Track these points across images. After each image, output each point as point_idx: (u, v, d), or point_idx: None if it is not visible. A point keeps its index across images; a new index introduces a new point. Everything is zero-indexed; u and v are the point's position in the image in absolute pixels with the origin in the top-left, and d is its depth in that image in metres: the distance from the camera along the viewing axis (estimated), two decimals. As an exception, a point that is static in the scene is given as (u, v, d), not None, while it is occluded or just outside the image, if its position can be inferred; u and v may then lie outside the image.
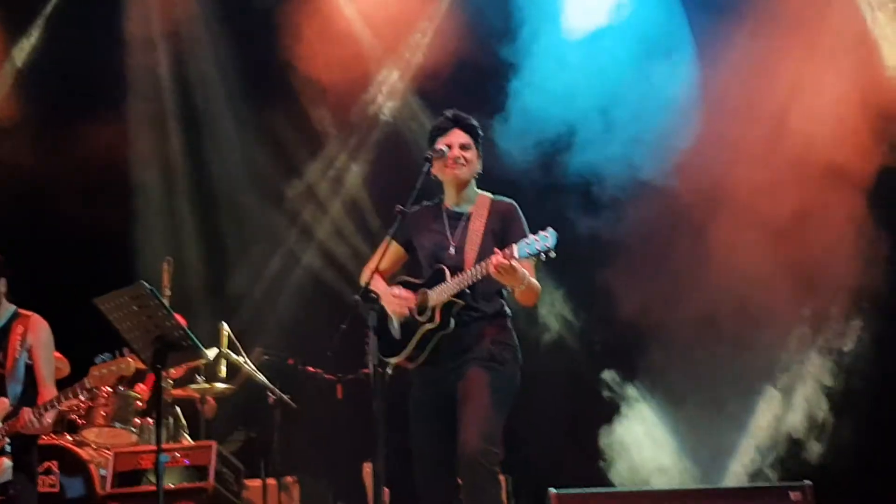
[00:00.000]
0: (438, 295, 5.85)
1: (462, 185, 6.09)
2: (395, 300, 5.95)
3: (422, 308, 5.91)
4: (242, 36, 11.17)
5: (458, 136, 6.07)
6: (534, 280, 5.77)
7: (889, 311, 9.58)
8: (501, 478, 8.91)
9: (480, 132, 6.16)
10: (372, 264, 6.11)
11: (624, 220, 10.14)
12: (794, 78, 9.81)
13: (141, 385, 8.58)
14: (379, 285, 6.01)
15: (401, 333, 5.97)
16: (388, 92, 11.31)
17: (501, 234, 5.92)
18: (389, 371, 5.96)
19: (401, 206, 5.90)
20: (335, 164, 11.35)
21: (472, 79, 10.48)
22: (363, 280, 6.11)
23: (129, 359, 7.82)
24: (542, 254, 5.47)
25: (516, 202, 6.10)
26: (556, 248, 5.46)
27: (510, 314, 6.04)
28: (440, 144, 6.06)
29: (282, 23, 10.76)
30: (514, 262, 5.54)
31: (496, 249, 5.61)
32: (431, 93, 10.84)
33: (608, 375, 10.35)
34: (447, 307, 5.83)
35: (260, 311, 10.99)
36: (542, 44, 10.39)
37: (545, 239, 5.47)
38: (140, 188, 11.17)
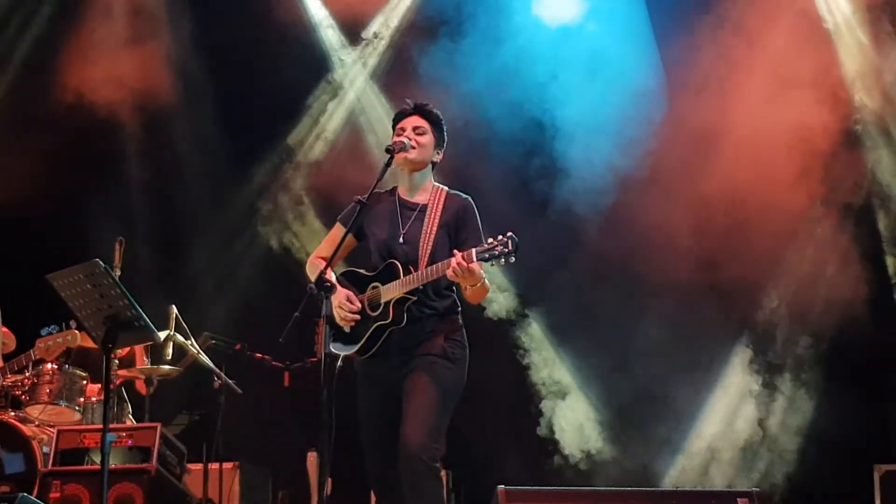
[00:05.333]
0: (391, 291, 5.83)
1: (414, 170, 6.04)
2: (342, 311, 5.88)
3: (374, 303, 5.91)
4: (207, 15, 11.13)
5: (413, 120, 6.04)
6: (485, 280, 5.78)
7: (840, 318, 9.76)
8: (443, 472, 8.97)
9: (443, 122, 6.11)
10: (323, 252, 6.09)
11: (578, 213, 10.28)
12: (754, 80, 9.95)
13: (92, 386, 8.53)
14: (329, 278, 5.92)
15: (352, 326, 5.96)
16: (348, 81, 11.34)
17: (455, 231, 5.92)
18: (340, 362, 5.95)
19: (359, 197, 5.87)
20: (292, 150, 11.34)
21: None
22: (310, 268, 6.09)
23: (76, 331, 7.87)
24: (502, 258, 5.49)
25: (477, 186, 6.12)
26: (516, 253, 5.47)
27: (461, 308, 6.03)
28: (397, 128, 6.06)
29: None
30: (472, 266, 5.53)
31: (455, 252, 5.60)
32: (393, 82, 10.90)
33: (550, 370, 10.46)
34: (400, 303, 5.81)
35: (210, 295, 10.97)
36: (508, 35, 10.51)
37: (504, 244, 5.48)
38: (94, 166, 11.09)
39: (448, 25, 10.64)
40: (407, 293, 5.80)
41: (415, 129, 6.02)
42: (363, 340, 5.89)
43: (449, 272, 5.58)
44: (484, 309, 10.23)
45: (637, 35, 10.50)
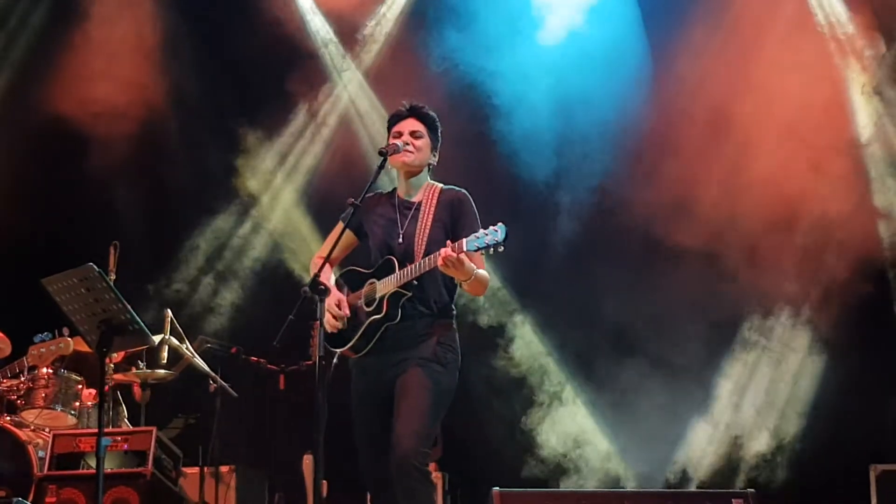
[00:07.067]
0: (386, 285, 5.86)
1: (411, 173, 6.08)
2: (330, 315, 5.91)
3: (369, 299, 5.93)
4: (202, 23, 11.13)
5: (410, 124, 6.07)
6: (482, 272, 5.79)
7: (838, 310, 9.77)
8: (438, 475, 8.98)
9: (438, 124, 6.14)
10: (323, 252, 6.11)
11: (576, 221, 10.28)
12: (745, 80, 9.96)
13: (88, 391, 8.52)
14: (326, 278, 5.96)
15: (347, 323, 5.97)
16: (343, 84, 11.34)
17: (451, 225, 5.94)
18: (335, 360, 5.96)
19: (353, 199, 5.88)
20: (287, 154, 11.34)
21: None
22: (312, 267, 6.08)
23: (68, 339, 7.87)
24: (491, 248, 5.51)
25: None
26: (505, 242, 5.49)
27: (455, 312, 6.05)
28: (393, 131, 6.08)
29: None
30: (461, 257, 5.57)
31: (448, 242, 5.64)
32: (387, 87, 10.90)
33: (547, 371, 10.47)
34: (394, 297, 5.84)
35: (205, 300, 10.97)
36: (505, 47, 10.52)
37: (495, 233, 5.50)
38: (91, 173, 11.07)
39: (443, 22, 10.67)
40: (401, 288, 5.83)
41: (412, 133, 6.06)
42: (357, 337, 5.91)
43: (439, 262, 5.61)
44: (477, 310, 10.23)
45: (633, 38, 10.54)
